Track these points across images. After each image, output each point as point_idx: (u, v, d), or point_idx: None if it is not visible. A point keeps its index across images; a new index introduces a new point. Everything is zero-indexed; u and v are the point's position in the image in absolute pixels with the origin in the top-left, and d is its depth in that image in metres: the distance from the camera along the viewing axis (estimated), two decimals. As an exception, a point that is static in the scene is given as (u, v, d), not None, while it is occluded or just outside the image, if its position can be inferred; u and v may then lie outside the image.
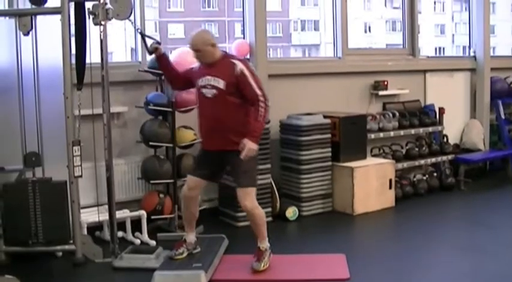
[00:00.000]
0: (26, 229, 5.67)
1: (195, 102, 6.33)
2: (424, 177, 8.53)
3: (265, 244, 5.50)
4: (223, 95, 5.30)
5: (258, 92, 5.29)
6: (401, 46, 9.49)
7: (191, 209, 5.67)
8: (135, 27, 6.26)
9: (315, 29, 20.98)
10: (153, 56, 5.88)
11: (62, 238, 5.79)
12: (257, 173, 5.63)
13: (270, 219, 6.13)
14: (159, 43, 5.78)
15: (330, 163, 7.53)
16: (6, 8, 6.08)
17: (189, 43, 5.42)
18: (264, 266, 5.42)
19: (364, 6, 19.65)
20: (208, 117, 5.45)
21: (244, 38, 7.89)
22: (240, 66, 5.31)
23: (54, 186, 5.74)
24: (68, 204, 5.71)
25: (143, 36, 6.04)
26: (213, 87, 5.32)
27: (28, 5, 5.82)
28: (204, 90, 5.39)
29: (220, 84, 5.29)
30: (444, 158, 8.88)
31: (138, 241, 6.37)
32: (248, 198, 5.38)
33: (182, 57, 6.71)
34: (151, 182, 6.68)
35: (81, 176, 5.72)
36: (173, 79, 5.85)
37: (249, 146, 5.22)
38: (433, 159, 8.79)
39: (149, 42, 5.80)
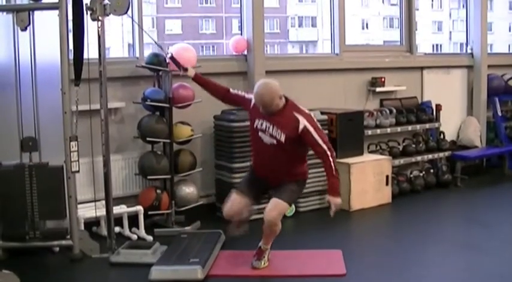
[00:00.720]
0: (23, 214, 5.68)
1: (192, 98, 6.35)
2: (421, 174, 8.55)
3: (267, 246, 5.52)
4: (281, 146, 5.26)
5: (325, 147, 5.21)
6: (399, 43, 9.50)
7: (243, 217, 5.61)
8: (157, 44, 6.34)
9: (312, 26, 20.96)
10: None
11: (58, 229, 5.85)
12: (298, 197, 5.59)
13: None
14: (186, 69, 5.91)
15: (327, 159, 7.54)
16: (4, 3, 6.07)
17: (257, 99, 5.27)
18: (264, 264, 5.45)
19: (361, 2, 19.62)
20: (263, 158, 5.46)
21: (241, 34, 7.89)
22: (303, 122, 5.21)
23: (51, 171, 5.74)
24: (64, 189, 5.71)
25: (174, 60, 6.10)
26: (273, 137, 5.27)
27: (26, 1, 5.85)
28: (261, 135, 5.34)
29: (281, 137, 5.23)
30: (441, 154, 8.90)
31: (135, 236, 6.38)
32: (278, 211, 5.33)
33: (179, 53, 6.71)
34: (149, 177, 6.69)
35: (78, 172, 5.73)
36: (216, 95, 5.83)
37: (335, 202, 5.23)
38: (430, 156, 8.80)
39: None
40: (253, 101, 5.37)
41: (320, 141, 5.20)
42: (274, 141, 5.25)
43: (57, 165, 5.73)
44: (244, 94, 5.65)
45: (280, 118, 5.25)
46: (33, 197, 5.67)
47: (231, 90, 5.72)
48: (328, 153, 5.19)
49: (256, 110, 5.36)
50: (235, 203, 5.44)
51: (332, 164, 5.19)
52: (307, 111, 5.38)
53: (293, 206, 7.17)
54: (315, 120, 5.35)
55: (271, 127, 5.26)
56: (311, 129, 5.21)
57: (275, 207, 5.31)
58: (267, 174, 5.46)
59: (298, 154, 5.41)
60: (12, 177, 5.69)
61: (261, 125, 5.32)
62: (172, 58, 6.10)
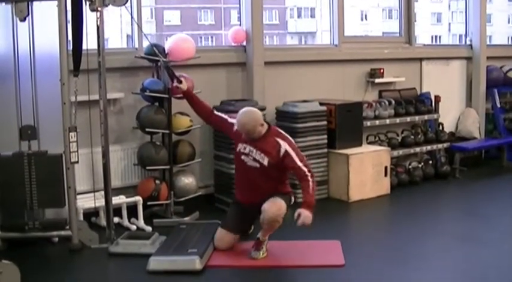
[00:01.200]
0: (22, 202, 5.68)
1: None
2: (420, 165, 8.56)
3: (265, 238, 5.57)
4: (264, 169, 5.53)
5: (304, 169, 5.48)
6: (398, 34, 9.48)
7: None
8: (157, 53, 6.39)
9: (311, 17, 20.96)
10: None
11: (57, 219, 5.87)
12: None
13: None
14: (180, 81, 6.01)
15: (325, 150, 7.56)
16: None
17: (240, 126, 5.54)
18: (262, 254, 5.49)
19: (360, -7, 19.64)
20: (247, 181, 5.72)
21: (240, 25, 7.88)
22: (285, 146, 5.51)
23: (50, 159, 5.74)
24: (63, 177, 5.71)
25: (169, 70, 6.16)
26: (256, 160, 5.54)
27: (25, -9, 5.81)
28: (244, 158, 5.62)
29: (265, 161, 5.51)
30: (440, 146, 8.90)
31: (134, 227, 6.39)
32: (277, 207, 5.48)
33: (178, 44, 6.73)
34: (148, 168, 6.69)
35: (77, 162, 5.73)
36: (201, 114, 6.06)
37: (305, 215, 5.34)
38: (429, 147, 8.80)
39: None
40: (235, 127, 5.64)
41: (300, 164, 5.49)
42: (257, 165, 5.55)
43: (56, 154, 5.72)
44: (227, 118, 5.88)
45: (262, 143, 5.55)
46: (32, 185, 5.67)
47: (215, 112, 5.99)
48: (308, 175, 5.48)
49: (239, 135, 5.65)
50: (224, 241, 5.72)
51: (311, 184, 5.47)
52: (288, 136, 5.69)
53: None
54: (293, 143, 5.66)
55: (254, 151, 5.57)
56: (292, 153, 5.50)
57: (274, 203, 5.46)
58: (251, 199, 5.65)
59: (280, 176, 5.69)
60: (11, 165, 5.69)
61: (244, 148, 5.62)
62: (167, 67, 6.19)
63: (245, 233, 5.91)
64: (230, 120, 5.81)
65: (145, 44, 6.85)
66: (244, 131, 5.52)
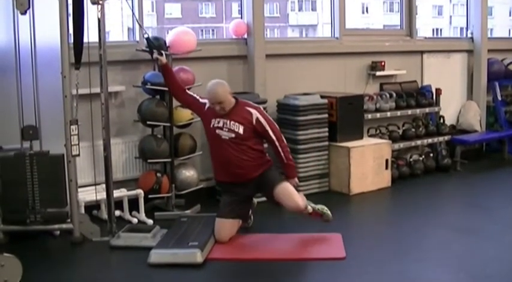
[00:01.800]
0: (24, 202, 5.69)
1: (192, 82, 6.35)
2: (421, 158, 8.56)
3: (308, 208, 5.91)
4: (240, 139, 5.70)
5: (274, 137, 5.82)
6: (399, 27, 9.48)
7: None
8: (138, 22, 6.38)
9: (312, 10, 20.91)
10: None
11: (59, 212, 5.84)
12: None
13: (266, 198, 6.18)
14: (160, 54, 6.08)
15: (326, 143, 7.57)
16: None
17: (212, 97, 5.71)
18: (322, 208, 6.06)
19: (361, -14, 19.57)
20: (223, 156, 5.78)
21: (241, 18, 7.86)
22: (256, 114, 5.75)
23: (52, 160, 5.75)
24: (65, 177, 5.73)
25: (149, 41, 6.25)
26: (231, 131, 5.70)
27: (25, -16, 5.81)
28: (219, 132, 5.74)
29: (240, 129, 5.68)
30: (441, 138, 8.90)
31: (135, 220, 6.40)
32: (296, 194, 5.77)
33: (179, 36, 6.72)
34: (149, 161, 6.70)
35: (78, 155, 5.74)
36: (174, 91, 6.15)
37: (294, 182, 5.93)
38: (430, 140, 8.81)
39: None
40: (207, 105, 5.82)
41: (270, 132, 5.79)
42: (233, 135, 5.70)
43: (58, 154, 5.73)
44: (199, 98, 5.99)
45: (234, 114, 5.73)
46: (34, 185, 5.68)
47: (187, 91, 6.08)
48: (277, 143, 5.82)
49: (211, 111, 5.78)
50: (223, 230, 5.75)
51: (281, 150, 5.84)
52: (257, 105, 5.94)
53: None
54: (265, 113, 5.95)
55: (228, 122, 5.72)
56: (262, 120, 5.77)
57: (292, 195, 5.74)
58: (232, 176, 5.77)
59: (256, 144, 5.83)
60: (13, 165, 5.69)
61: (218, 122, 5.76)
62: (148, 39, 6.24)
63: (244, 217, 5.93)
64: (202, 100, 5.93)
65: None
66: (216, 99, 5.67)
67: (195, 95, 6.02)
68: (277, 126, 5.93)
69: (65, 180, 5.74)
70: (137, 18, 6.69)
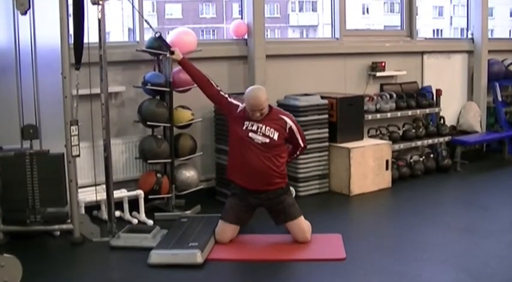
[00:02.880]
0: (24, 201, 5.68)
1: (192, 82, 6.35)
2: (421, 159, 8.56)
3: None
4: (272, 145, 5.71)
5: (302, 144, 6.00)
6: (399, 27, 9.48)
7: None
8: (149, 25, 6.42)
9: (313, 10, 20.95)
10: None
11: (59, 213, 5.87)
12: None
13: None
14: (172, 52, 6.12)
15: (326, 144, 7.56)
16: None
17: (255, 104, 5.68)
18: None
19: (362, -13, 19.61)
20: (249, 160, 5.70)
21: (242, 18, 7.87)
22: (289, 123, 5.84)
23: (52, 159, 5.74)
24: (65, 176, 5.72)
25: (161, 40, 6.26)
26: (265, 136, 5.69)
27: (26, -16, 5.81)
28: (252, 135, 5.70)
29: (275, 135, 5.71)
30: (441, 139, 8.90)
31: (135, 221, 6.41)
32: (308, 229, 5.78)
33: (179, 37, 6.73)
34: (149, 161, 6.70)
35: (78, 156, 5.74)
36: (198, 86, 6.10)
37: None
38: (430, 141, 8.80)
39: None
40: (240, 107, 5.81)
41: (300, 139, 5.96)
42: (267, 140, 5.70)
43: (58, 153, 5.73)
44: (227, 96, 5.98)
45: (269, 120, 5.75)
46: (34, 184, 5.67)
47: (214, 83, 6.02)
48: (302, 147, 6.04)
49: (244, 115, 5.75)
50: (225, 233, 5.76)
51: (298, 153, 6.11)
52: (288, 113, 6.02)
53: (293, 190, 7.16)
54: (295, 121, 5.97)
55: (263, 127, 5.71)
56: (295, 129, 5.88)
57: (304, 229, 5.75)
58: (252, 182, 5.72)
59: (283, 152, 5.87)
60: (13, 165, 5.68)
61: (252, 126, 5.74)
62: (160, 38, 6.22)
63: (245, 224, 5.91)
64: (233, 101, 5.90)
65: (147, 37, 6.86)
66: (259, 108, 5.67)
67: (223, 93, 5.98)
68: (303, 133, 6.07)
69: (65, 179, 5.73)
70: (145, 18, 6.68)
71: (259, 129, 5.68)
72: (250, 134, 5.67)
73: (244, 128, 5.71)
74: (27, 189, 5.67)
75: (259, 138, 5.66)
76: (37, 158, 5.69)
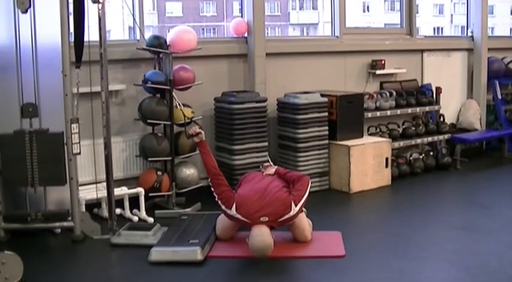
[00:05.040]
0: (23, 179, 5.71)
1: (193, 80, 6.36)
2: (421, 156, 8.57)
3: None
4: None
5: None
6: (399, 25, 9.49)
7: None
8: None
9: (313, 8, 20.96)
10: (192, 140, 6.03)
11: (60, 210, 5.91)
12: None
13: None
14: (201, 128, 5.92)
15: (326, 141, 7.58)
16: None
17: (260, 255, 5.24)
18: None
19: (363, -15, 19.63)
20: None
21: (242, 16, 7.88)
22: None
23: (51, 137, 5.75)
24: (65, 154, 5.73)
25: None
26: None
27: (26, -17, 5.82)
28: None
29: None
30: (441, 137, 8.92)
31: (135, 218, 6.42)
32: (308, 228, 5.73)
33: (180, 35, 6.74)
34: (149, 159, 6.72)
35: (79, 154, 5.75)
36: (208, 169, 5.75)
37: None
38: (430, 139, 8.82)
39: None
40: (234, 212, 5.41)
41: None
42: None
43: (57, 132, 5.74)
44: (230, 190, 5.62)
45: None
46: (33, 163, 5.69)
47: (220, 173, 5.71)
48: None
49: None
50: (226, 229, 5.73)
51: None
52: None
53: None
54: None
55: None
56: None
57: (301, 229, 5.66)
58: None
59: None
60: (12, 143, 5.70)
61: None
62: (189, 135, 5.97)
63: None
64: (232, 211, 5.47)
65: (147, 35, 6.87)
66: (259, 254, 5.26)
67: (226, 184, 5.64)
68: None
69: (65, 157, 5.74)
70: (137, 22, 6.70)
71: None
72: None
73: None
74: (27, 167, 5.69)
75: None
76: (36, 137, 5.70)
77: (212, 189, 5.59)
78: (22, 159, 5.69)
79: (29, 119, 5.80)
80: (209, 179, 5.67)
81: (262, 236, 5.18)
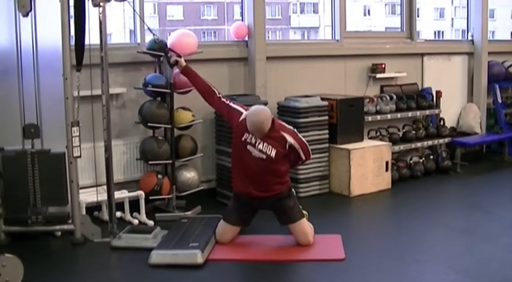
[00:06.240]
0: (25, 199, 5.72)
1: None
2: (421, 160, 8.58)
3: None
4: (269, 161, 5.61)
5: (304, 158, 5.84)
6: (400, 29, 9.49)
7: None
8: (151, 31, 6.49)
9: (314, 12, 20.98)
10: (177, 69, 6.22)
11: (60, 213, 5.91)
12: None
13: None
14: (179, 56, 6.08)
15: (327, 145, 7.58)
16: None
17: (257, 128, 5.53)
18: None
19: (363, -11, 19.63)
20: (247, 170, 5.67)
21: (242, 20, 7.88)
22: (290, 140, 5.67)
23: (53, 158, 5.77)
24: (66, 175, 5.75)
25: (164, 49, 6.25)
26: (262, 152, 5.60)
27: (27, -14, 5.83)
28: (250, 148, 5.62)
29: (272, 152, 5.59)
30: (441, 141, 8.91)
31: (136, 221, 6.43)
32: (310, 232, 5.73)
33: (180, 38, 6.75)
34: (150, 162, 6.73)
35: (80, 157, 5.77)
36: (201, 94, 6.06)
37: None
38: (430, 142, 8.81)
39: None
40: (242, 116, 5.69)
41: (302, 155, 5.79)
42: (264, 156, 5.60)
43: (59, 152, 5.76)
44: (232, 104, 5.91)
45: (269, 136, 5.61)
46: (35, 183, 5.71)
47: (217, 92, 5.99)
48: (304, 160, 5.92)
49: (245, 125, 5.60)
50: (226, 234, 5.77)
51: (301, 163, 6.15)
52: (290, 127, 5.83)
53: (293, 191, 7.20)
54: (299, 135, 5.81)
55: (261, 143, 5.62)
56: (296, 145, 5.71)
57: (306, 232, 5.70)
58: (252, 192, 5.69)
59: (283, 165, 5.76)
60: (14, 163, 5.71)
61: (251, 139, 5.65)
62: (161, 42, 6.31)
63: (247, 225, 5.93)
64: (237, 108, 5.84)
65: (148, 39, 6.88)
66: (257, 130, 5.52)
67: (225, 100, 5.95)
68: (308, 145, 5.84)
69: (66, 178, 5.76)
70: (146, 23, 6.72)
71: (257, 144, 5.59)
72: (248, 147, 5.62)
73: (243, 139, 5.65)
74: (29, 188, 5.70)
75: (256, 152, 5.60)
76: (38, 157, 5.72)
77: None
78: (24, 180, 5.71)
79: (31, 139, 5.84)
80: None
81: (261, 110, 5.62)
